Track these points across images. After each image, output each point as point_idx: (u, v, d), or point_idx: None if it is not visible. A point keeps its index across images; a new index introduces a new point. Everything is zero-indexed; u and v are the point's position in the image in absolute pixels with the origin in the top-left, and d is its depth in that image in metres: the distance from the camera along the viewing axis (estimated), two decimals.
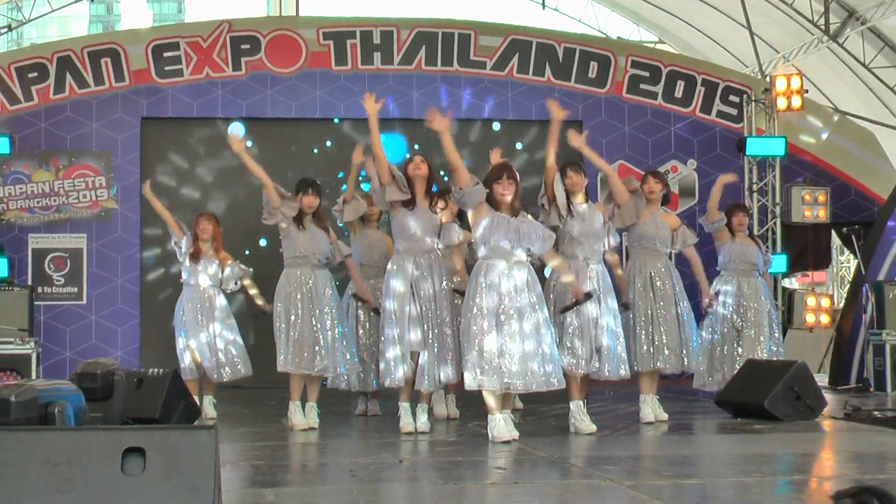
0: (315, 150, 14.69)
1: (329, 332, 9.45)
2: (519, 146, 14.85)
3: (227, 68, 14.53)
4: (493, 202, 8.36)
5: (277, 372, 9.59)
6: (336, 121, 14.69)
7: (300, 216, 9.57)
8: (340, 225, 10.92)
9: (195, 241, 10.69)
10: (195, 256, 10.61)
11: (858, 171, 15.36)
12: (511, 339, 8.13)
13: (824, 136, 15.57)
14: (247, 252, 13.65)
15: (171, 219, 10.77)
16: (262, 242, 14.10)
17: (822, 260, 16.10)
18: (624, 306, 9.38)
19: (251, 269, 10.92)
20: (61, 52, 14.38)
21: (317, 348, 9.37)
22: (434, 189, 9.31)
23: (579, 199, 9.12)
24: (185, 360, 10.49)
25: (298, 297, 9.44)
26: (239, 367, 10.63)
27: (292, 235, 9.55)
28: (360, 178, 10.87)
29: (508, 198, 8.34)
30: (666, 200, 10.19)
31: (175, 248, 10.85)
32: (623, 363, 9.06)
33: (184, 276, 10.72)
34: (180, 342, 10.59)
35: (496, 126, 14.94)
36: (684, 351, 9.78)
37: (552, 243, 8.61)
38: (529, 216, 8.48)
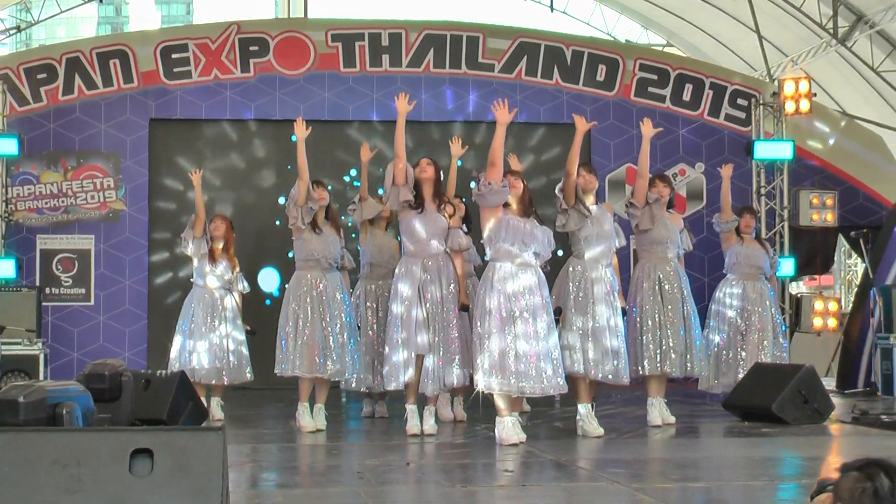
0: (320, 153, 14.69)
1: (339, 336, 9.46)
2: (529, 148, 14.87)
3: (236, 70, 14.53)
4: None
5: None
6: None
7: (314, 219, 9.56)
8: (350, 223, 10.91)
9: (210, 241, 10.67)
10: (211, 256, 10.59)
11: (867, 174, 15.34)
12: (523, 341, 8.14)
13: (832, 139, 15.55)
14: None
15: (202, 215, 10.67)
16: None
17: (826, 263, 16.10)
18: (622, 311, 9.31)
19: (248, 289, 10.96)
20: (70, 54, 14.40)
21: (328, 351, 9.38)
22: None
23: (590, 199, 9.11)
24: (171, 359, 10.54)
25: (308, 299, 9.44)
26: (245, 372, 10.66)
27: (305, 237, 9.55)
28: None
29: (517, 192, 8.37)
30: (671, 203, 10.20)
31: (184, 243, 10.73)
32: (626, 368, 9.08)
33: (194, 276, 10.70)
34: (178, 341, 10.58)
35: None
36: (689, 355, 9.79)
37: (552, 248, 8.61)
38: (536, 221, 8.48)
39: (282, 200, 14.31)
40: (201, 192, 10.76)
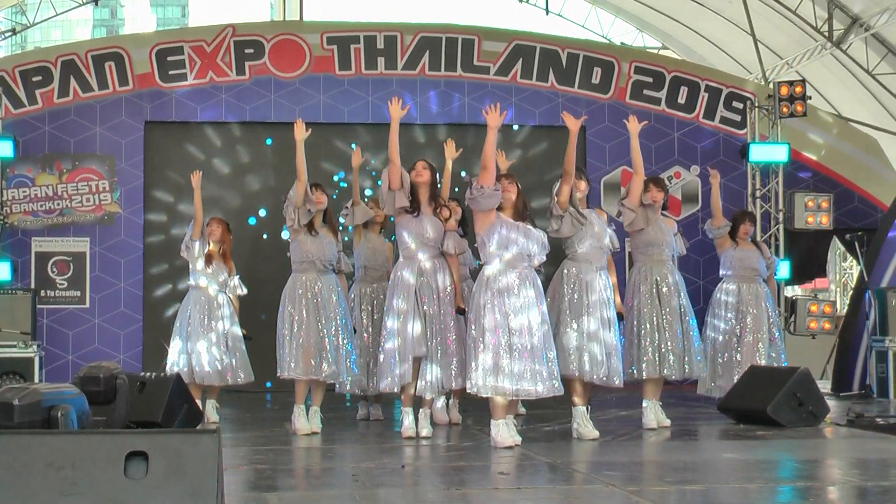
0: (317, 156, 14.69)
1: (334, 338, 9.45)
2: (518, 150, 14.88)
3: (231, 73, 14.53)
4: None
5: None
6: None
7: (311, 222, 9.55)
8: (342, 227, 10.91)
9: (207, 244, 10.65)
10: (208, 260, 10.56)
11: (862, 177, 15.37)
12: (518, 343, 8.12)
13: (828, 142, 15.57)
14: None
15: (200, 217, 10.67)
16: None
17: (819, 268, 16.09)
18: (619, 315, 9.29)
19: (245, 292, 10.91)
20: (65, 56, 14.39)
21: (323, 354, 9.37)
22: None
23: (581, 205, 9.10)
24: (169, 362, 10.50)
25: (304, 302, 9.42)
26: (248, 372, 10.63)
27: (300, 239, 9.54)
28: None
29: (511, 196, 8.36)
30: (665, 206, 10.19)
31: (184, 246, 10.72)
32: (619, 370, 9.06)
33: (191, 278, 10.68)
34: (176, 344, 10.56)
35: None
36: (687, 357, 9.77)
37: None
38: (530, 225, 8.46)
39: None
40: (199, 193, 10.72)
